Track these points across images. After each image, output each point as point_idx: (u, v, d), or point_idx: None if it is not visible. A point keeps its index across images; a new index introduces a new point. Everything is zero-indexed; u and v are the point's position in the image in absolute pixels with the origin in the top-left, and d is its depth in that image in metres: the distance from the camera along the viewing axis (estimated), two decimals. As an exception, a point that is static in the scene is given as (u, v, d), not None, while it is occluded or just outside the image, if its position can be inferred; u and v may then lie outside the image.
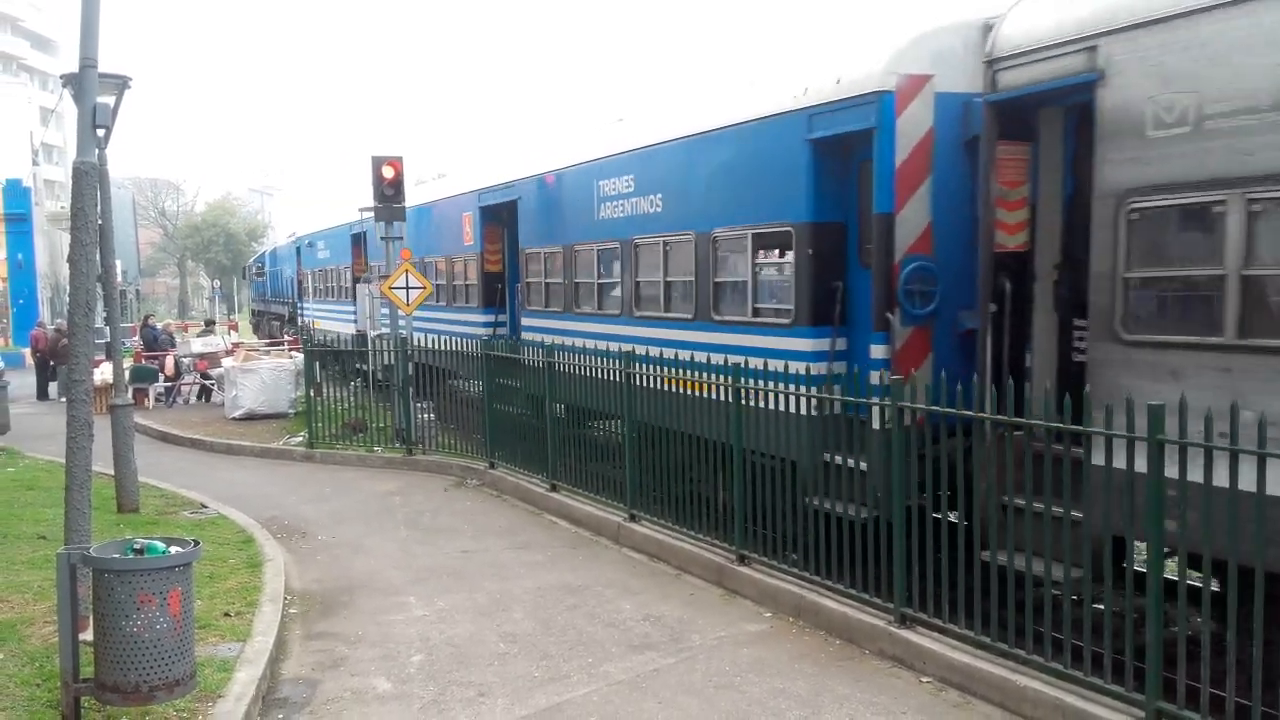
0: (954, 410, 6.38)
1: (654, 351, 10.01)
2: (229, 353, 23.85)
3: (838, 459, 7.73)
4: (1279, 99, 5.48)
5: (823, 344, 8.60)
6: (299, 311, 32.86)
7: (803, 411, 7.88)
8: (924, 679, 6.50)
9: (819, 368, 8.38)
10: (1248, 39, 5.65)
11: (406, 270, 15.50)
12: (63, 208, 48.41)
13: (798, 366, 8.36)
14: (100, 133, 9.99)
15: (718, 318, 9.92)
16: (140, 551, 5.43)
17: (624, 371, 10.09)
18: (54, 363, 24.49)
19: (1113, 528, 5.63)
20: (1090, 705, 5.57)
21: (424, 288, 15.67)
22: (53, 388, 24.77)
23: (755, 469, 8.39)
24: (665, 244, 10.80)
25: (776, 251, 9.30)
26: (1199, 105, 5.90)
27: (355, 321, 23.35)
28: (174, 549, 5.49)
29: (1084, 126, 6.94)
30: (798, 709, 6.16)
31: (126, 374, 13.51)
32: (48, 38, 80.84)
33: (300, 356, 19.31)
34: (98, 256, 6.80)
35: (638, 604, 8.25)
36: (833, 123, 8.36)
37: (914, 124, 7.85)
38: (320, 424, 16.14)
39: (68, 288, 7.06)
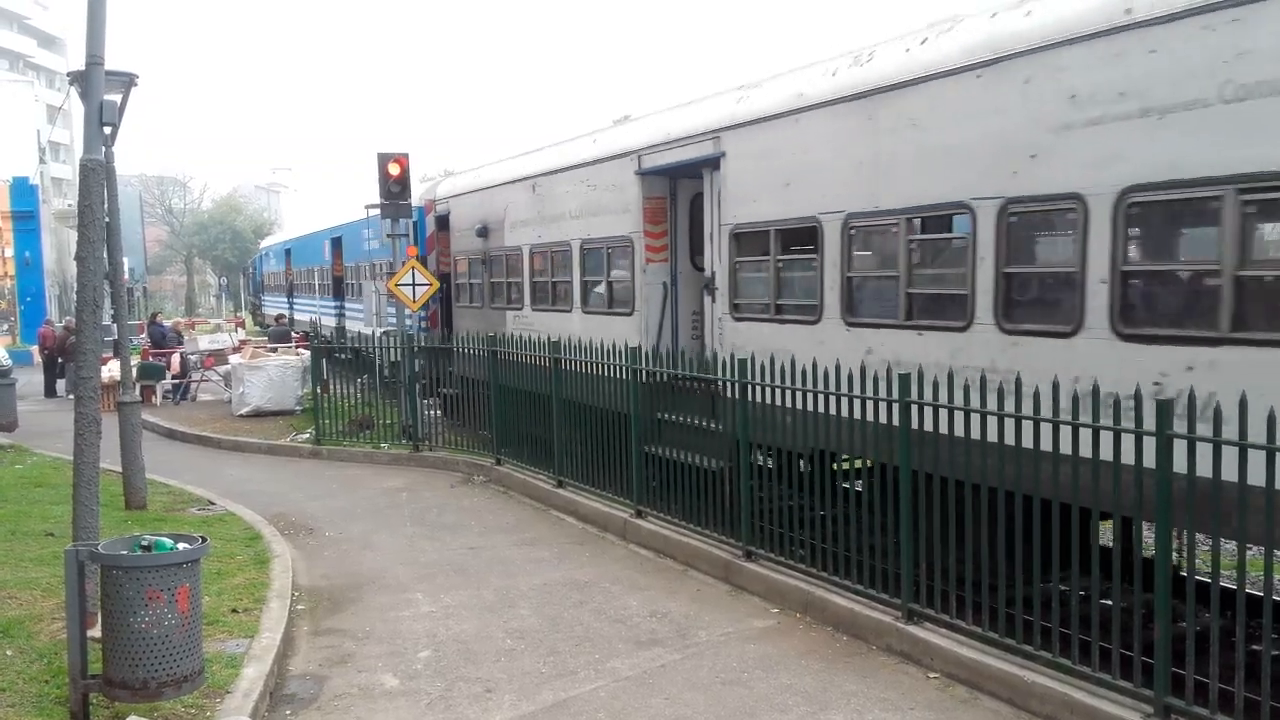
0: (428, 345, 15.69)
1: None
2: (236, 350, 23.90)
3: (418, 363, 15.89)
4: (480, 230, 15.61)
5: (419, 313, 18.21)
6: (260, 303, 47.04)
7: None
8: (931, 675, 6.50)
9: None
10: (466, 210, 16.50)
11: (413, 267, 15.52)
12: (70, 205, 48.52)
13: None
14: (107, 130, 10.08)
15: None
16: (148, 548, 5.44)
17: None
18: (62, 360, 24.52)
19: (474, 376, 13.95)
20: (1098, 701, 5.56)
21: (430, 284, 15.80)
22: (60, 385, 24.78)
23: (380, 369, 17.62)
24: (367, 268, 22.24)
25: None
26: (471, 224, 15.94)
27: (287, 308, 35.19)
28: (182, 545, 5.50)
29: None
30: (805, 705, 6.16)
31: (134, 371, 13.52)
32: (54, 36, 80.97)
33: (307, 354, 19.39)
34: (105, 254, 6.80)
35: (645, 600, 8.26)
36: (417, 215, 18.01)
37: (430, 221, 18.53)
38: (327, 421, 16.22)
39: (75, 285, 7.07)
